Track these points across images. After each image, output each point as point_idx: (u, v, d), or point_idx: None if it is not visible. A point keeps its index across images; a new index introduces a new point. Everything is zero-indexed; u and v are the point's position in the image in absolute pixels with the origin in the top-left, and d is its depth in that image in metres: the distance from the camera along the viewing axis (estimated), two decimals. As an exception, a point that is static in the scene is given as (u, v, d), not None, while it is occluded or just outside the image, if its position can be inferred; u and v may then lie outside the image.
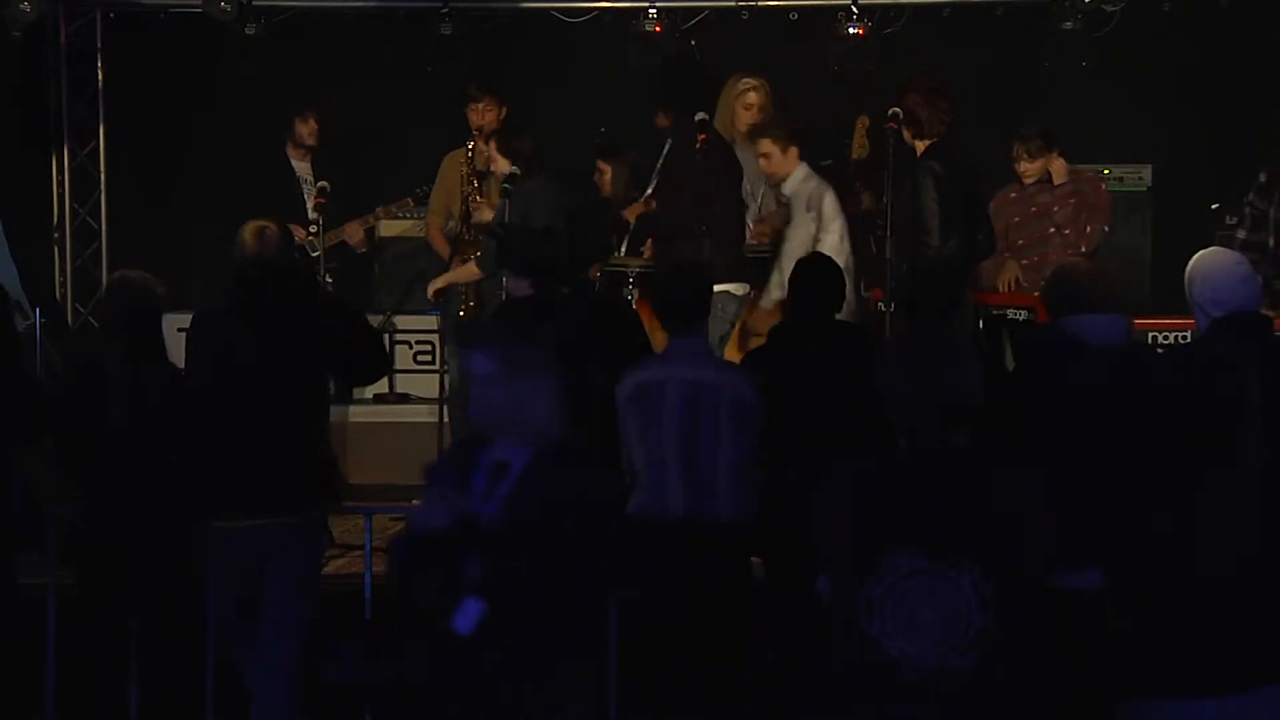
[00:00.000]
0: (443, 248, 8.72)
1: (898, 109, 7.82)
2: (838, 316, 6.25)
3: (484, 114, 8.59)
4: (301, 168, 9.37)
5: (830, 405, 5.74)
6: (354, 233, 9.16)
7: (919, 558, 3.90)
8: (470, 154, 8.55)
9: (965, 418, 4.03)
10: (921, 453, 4.01)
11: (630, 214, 8.85)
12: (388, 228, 10.18)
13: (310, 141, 9.35)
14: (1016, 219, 8.35)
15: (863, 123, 9.18)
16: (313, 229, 8.69)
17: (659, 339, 7.96)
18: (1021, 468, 4.13)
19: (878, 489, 4.02)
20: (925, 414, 4.00)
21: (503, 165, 7.77)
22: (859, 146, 9.17)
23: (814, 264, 6.43)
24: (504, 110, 8.61)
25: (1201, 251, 5.80)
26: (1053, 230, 8.26)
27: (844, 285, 6.31)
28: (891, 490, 3.99)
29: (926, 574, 3.89)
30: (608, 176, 9.23)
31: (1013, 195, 8.44)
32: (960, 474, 4.00)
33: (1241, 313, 5.49)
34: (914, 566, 3.89)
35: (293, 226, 8.54)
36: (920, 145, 7.69)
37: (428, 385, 9.76)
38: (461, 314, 8.38)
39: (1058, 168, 8.40)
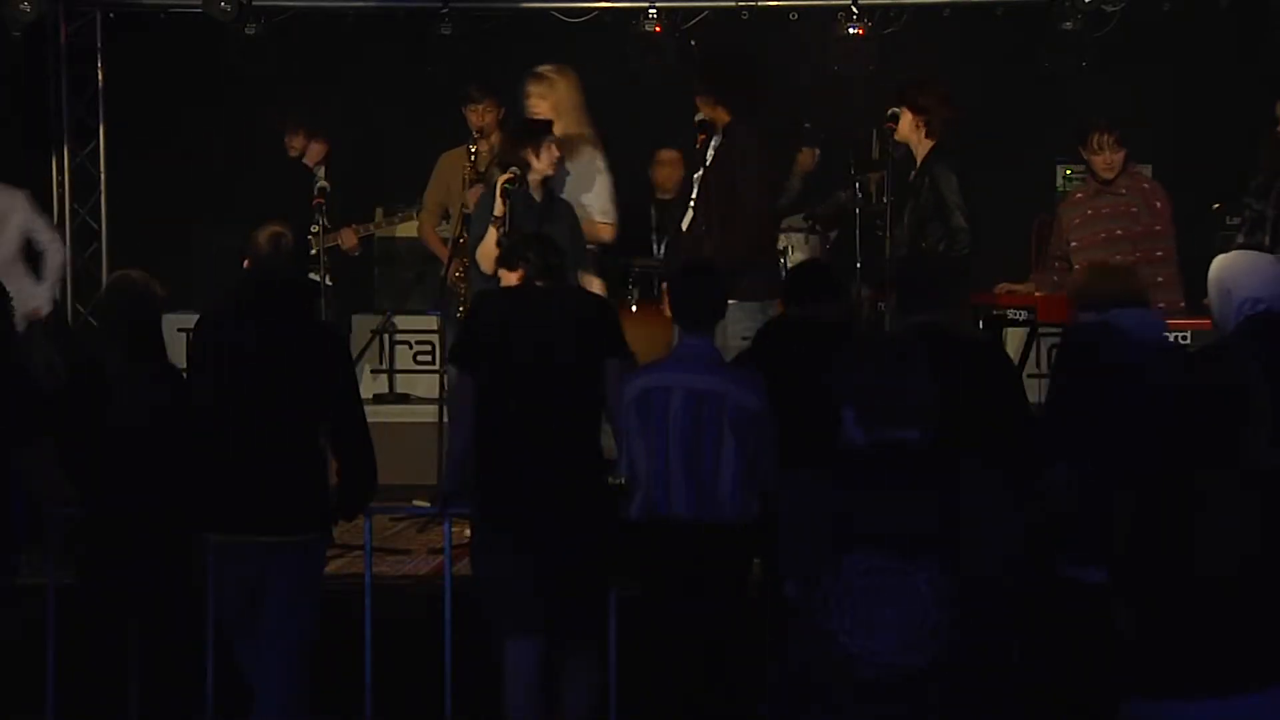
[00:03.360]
0: (437, 247, 8.70)
1: (897, 109, 7.84)
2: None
3: (484, 115, 8.58)
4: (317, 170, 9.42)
5: (820, 406, 5.74)
6: (348, 238, 9.12)
7: (876, 555, 3.92)
8: (473, 156, 8.53)
9: (917, 415, 4.04)
10: (877, 449, 4.03)
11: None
12: (386, 228, 10.18)
13: (295, 154, 9.40)
14: (1077, 221, 8.19)
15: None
16: (314, 229, 8.69)
17: (651, 335, 7.92)
18: (982, 465, 4.14)
19: (834, 488, 4.04)
20: (878, 411, 4.02)
21: (546, 167, 7.72)
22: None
23: (805, 266, 6.45)
24: (503, 111, 8.61)
25: (1227, 255, 5.81)
26: (1158, 228, 8.00)
27: (836, 287, 6.34)
28: (848, 489, 4.01)
29: (883, 572, 3.92)
30: (668, 169, 9.21)
31: (1078, 196, 8.30)
32: (916, 472, 4.02)
33: (1274, 310, 5.51)
34: (871, 564, 3.92)
35: (344, 230, 8.56)
36: (927, 143, 7.75)
37: (428, 385, 9.77)
38: (460, 313, 8.37)
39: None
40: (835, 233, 9.50)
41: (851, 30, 9.40)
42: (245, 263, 5.91)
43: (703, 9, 9.98)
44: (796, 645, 4.05)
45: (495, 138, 8.55)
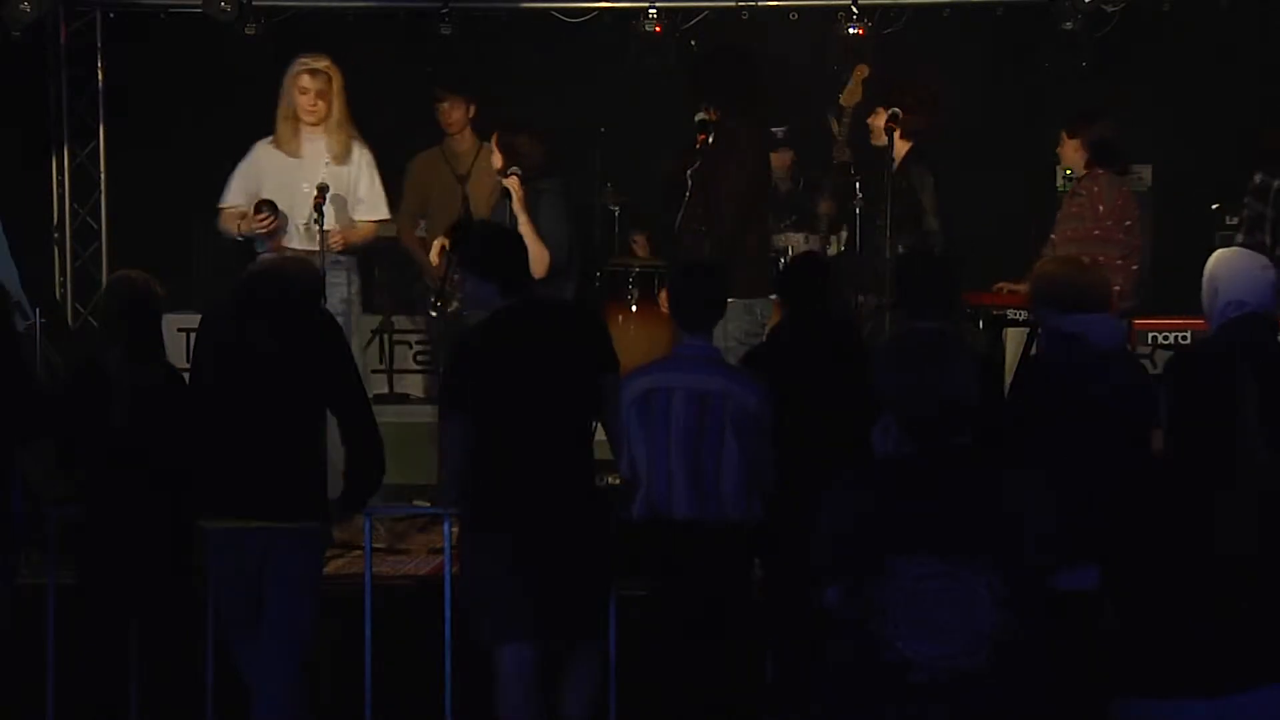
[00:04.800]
0: (416, 249, 8.72)
1: (898, 109, 7.85)
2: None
3: (450, 114, 8.58)
4: None
5: (828, 405, 5.74)
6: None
7: (933, 560, 3.91)
8: (454, 155, 8.54)
9: (964, 418, 4.03)
10: (924, 454, 4.01)
11: None
12: (385, 229, 10.16)
13: None
14: (1059, 217, 8.17)
15: (861, 71, 8.95)
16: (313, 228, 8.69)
17: (651, 335, 7.90)
18: (1025, 467, 4.14)
19: (884, 493, 4.02)
20: (925, 415, 4.00)
21: (498, 161, 7.73)
22: (851, 94, 8.90)
23: (806, 262, 6.44)
24: (471, 109, 8.59)
25: (1224, 251, 5.83)
26: (1097, 232, 8.01)
27: (834, 284, 6.35)
28: (898, 493, 4.00)
29: (942, 576, 3.90)
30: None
31: (1068, 194, 8.27)
32: (964, 474, 4.01)
33: (1256, 313, 5.53)
34: (928, 569, 3.90)
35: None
36: (904, 145, 7.78)
37: (427, 386, 9.77)
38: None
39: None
40: (845, 232, 9.51)
41: (851, 30, 9.40)
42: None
43: (703, 9, 9.98)
44: (841, 651, 4.03)
45: (467, 135, 8.55)
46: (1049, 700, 4.00)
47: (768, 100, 8.25)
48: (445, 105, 8.58)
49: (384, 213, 7.90)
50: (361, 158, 7.80)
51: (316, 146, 7.73)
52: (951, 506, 3.95)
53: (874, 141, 8.08)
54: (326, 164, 7.71)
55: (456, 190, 8.47)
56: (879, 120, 7.93)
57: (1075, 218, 7.87)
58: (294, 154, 7.75)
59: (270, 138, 7.81)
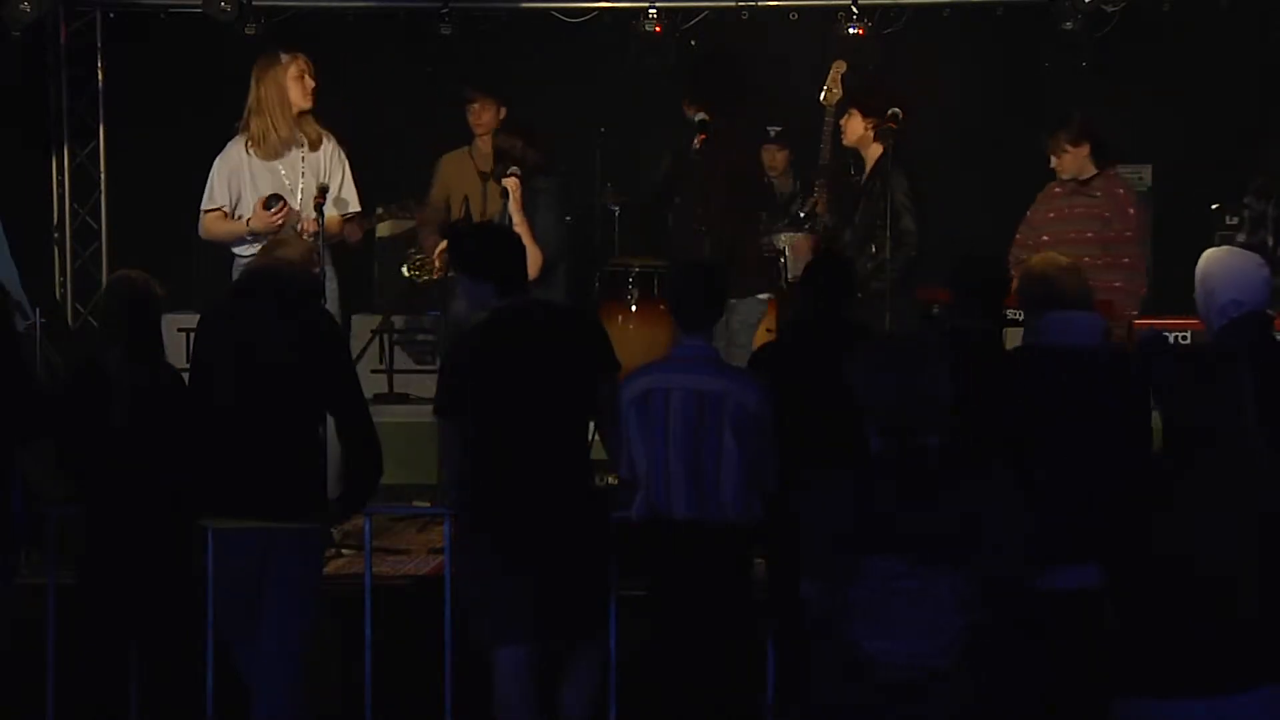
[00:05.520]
0: (430, 238, 8.74)
1: (898, 109, 7.86)
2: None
3: (480, 115, 8.58)
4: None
5: (831, 405, 5.73)
6: (353, 232, 9.11)
7: (898, 560, 3.93)
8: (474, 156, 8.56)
9: (937, 420, 4.05)
10: (898, 455, 4.03)
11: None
12: (386, 227, 10.18)
13: None
14: (1051, 215, 8.14)
15: (839, 67, 8.93)
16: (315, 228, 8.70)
17: (651, 335, 7.90)
18: (997, 469, 4.16)
19: (857, 493, 4.04)
20: (899, 417, 4.02)
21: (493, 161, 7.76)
22: (831, 93, 8.87)
23: (827, 262, 6.45)
24: (502, 110, 8.59)
25: (1215, 251, 5.82)
26: (1129, 234, 7.98)
27: (855, 284, 6.36)
28: (871, 494, 4.02)
29: (905, 576, 3.93)
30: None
31: (1056, 190, 8.23)
32: (936, 476, 4.03)
33: (1254, 312, 5.54)
34: (893, 569, 3.93)
35: (347, 224, 8.46)
36: (877, 146, 7.79)
37: (427, 385, 9.75)
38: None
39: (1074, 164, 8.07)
40: (848, 235, 9.52)
41: (851, 30, 9.40)
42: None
43: (703, 9, 9.98)
44: (817, 648, 4.06)
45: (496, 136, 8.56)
46: (1022, 700, 4.02)
47: (761, 100, 8.27)
48: (476, 106, 8.59)
49: (355, 207, 7.95)
50: (335, 150, 7.85)
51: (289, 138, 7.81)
52: (921, 509, 3.97)
53: (846, 143, 8.11)
54: (302, 156, 7.77)
55: (480, 190, 8.49)
56: (855, 123, 7.95)
57: (1095, 219, 7.81)
58: (272, 148, 7.80)
59: (242, 135, 7.84)
